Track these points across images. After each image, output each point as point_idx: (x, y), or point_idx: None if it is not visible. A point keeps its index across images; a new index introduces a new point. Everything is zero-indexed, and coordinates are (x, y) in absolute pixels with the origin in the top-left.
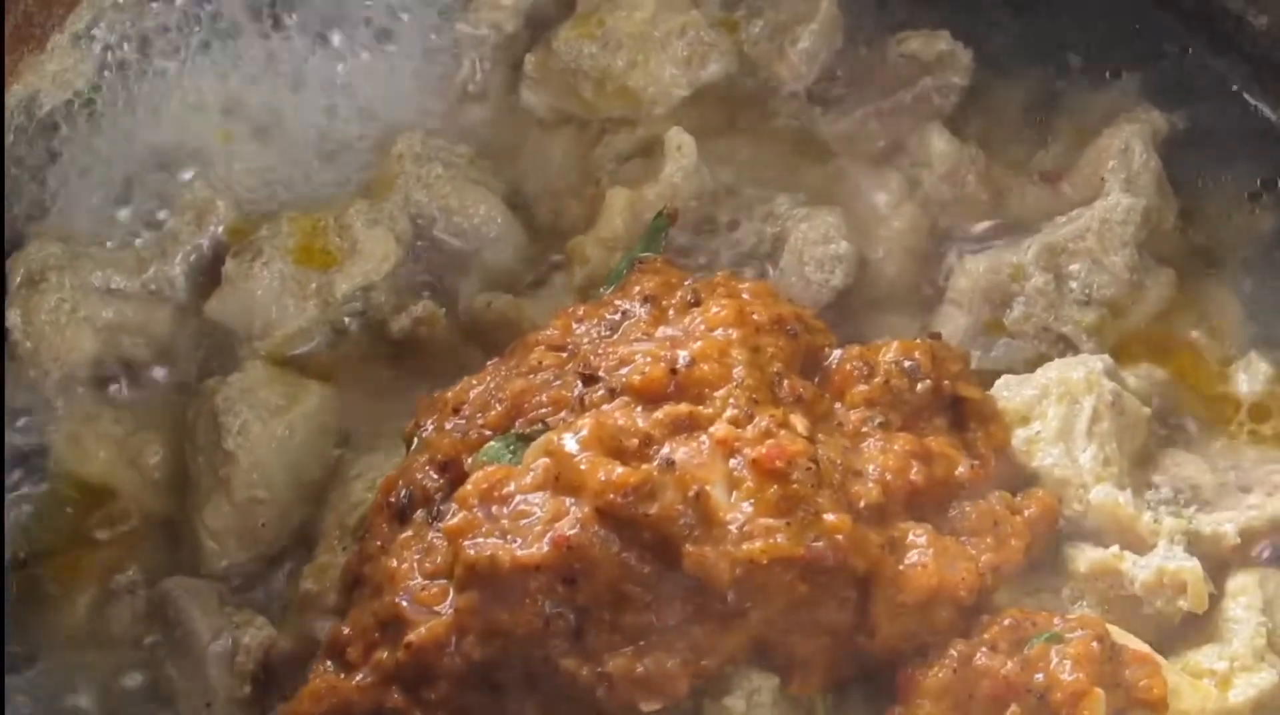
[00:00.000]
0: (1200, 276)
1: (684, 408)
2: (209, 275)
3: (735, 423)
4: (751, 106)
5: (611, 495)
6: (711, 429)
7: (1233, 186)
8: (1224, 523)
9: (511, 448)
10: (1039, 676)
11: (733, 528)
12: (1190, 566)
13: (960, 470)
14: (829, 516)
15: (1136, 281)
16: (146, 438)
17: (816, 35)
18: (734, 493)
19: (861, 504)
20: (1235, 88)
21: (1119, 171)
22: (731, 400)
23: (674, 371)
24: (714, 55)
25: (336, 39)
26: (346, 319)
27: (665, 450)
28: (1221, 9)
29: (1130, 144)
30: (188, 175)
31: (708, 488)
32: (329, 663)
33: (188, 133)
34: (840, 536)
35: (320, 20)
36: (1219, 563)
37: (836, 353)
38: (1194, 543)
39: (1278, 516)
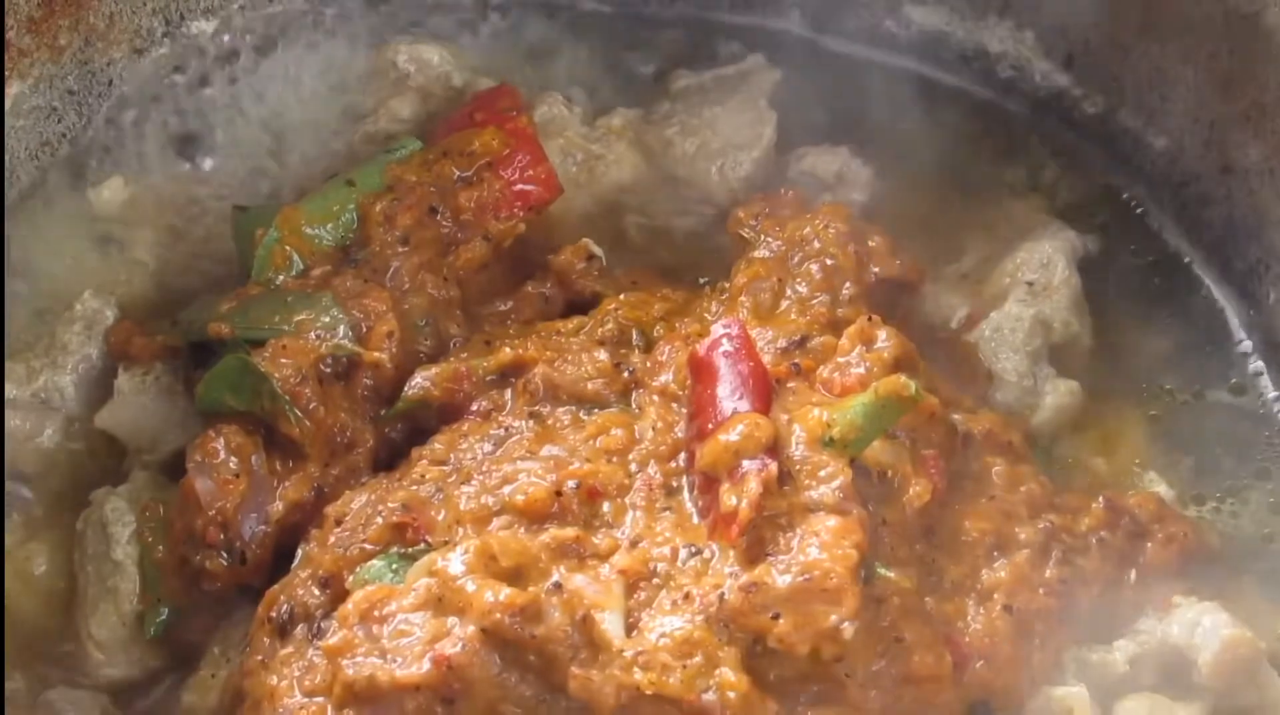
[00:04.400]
0: (1106, 396)
1: (570, 533)
2: (99, 386)
3: (635, 545)
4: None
5: (499, 615)
6: (614, 558)
7: (1130, 307)
8: (1113, 650)
9: (394, 567)
10: None
11: (626, 654)
12: (1076, 692)
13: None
14: (727, 673)
15: (1031, 387)
16: (34, 548)
17: (757, 162)
18: (632, 629)
19: (772, 676)
20: (1135, 209)
21: (1036, 284)
22: (628, 524)
23: (559, 493)
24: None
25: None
26: None
27: (556, 576)
28: (1121, 129)
29: (1053, 259)
30: (79, 285)
31: (595, 614)
32: None
33: (80, 243)
34: (733, 695)
35: (221, 141)
36: (1107, 690)
37: None
38: (1082, 669)
39: (1168, 639)
